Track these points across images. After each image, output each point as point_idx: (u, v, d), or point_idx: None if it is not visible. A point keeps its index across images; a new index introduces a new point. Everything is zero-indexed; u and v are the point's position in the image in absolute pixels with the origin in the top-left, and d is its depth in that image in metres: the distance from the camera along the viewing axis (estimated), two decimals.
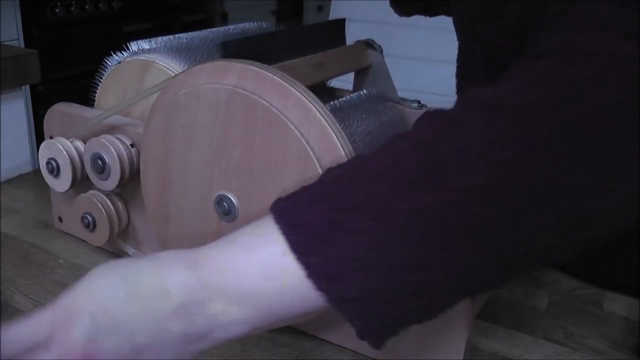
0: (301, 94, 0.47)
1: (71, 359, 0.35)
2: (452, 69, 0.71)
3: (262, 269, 0.35)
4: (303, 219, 0.35)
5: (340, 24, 0.69)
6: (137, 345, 0.35)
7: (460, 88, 0.70)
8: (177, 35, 0.67)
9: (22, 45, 1.68)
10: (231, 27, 0.72)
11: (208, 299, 0.36)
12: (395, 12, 0.81)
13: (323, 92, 0.72)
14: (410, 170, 0.34)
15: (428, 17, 0.83)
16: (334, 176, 0.37)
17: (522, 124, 0.34)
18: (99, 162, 0.58)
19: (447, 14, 0.75)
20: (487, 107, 0.35)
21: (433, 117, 0.37)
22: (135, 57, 0.62)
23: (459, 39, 0.68)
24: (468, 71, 0.68)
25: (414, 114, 0.72)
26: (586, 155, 0.33)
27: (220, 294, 0.36)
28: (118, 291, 0.36)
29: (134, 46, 0.64)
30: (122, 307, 0.35)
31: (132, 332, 0.35)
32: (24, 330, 0.36)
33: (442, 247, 0.33)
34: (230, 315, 0.36)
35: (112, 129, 0.60)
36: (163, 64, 0.60)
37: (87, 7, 1.82)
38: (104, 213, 0.61)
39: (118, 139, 0.58)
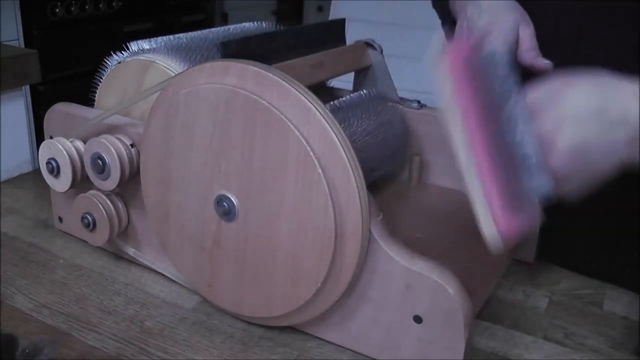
0: (301, 94, 0.47)
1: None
2: None
3: None
4: None
5: (340, 24, 0.69)
6: (588, 159, 0.45)
7: None
8: (177, 35, 0.67)
9: (22, 45, 1.68)
10: (231, 27, 0.72)
11: None
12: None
13: (323, 92, 0.72)
14: None
15: (427, 18, 0.82)
16: None
17: None
18: (99, 162, 0.58)
19: None
20: None
21: None
22: (135, 57, 0.62)
23: None
24: None
25: (414, 114, 0.72)
26: None
27: None
28: (591, 103, 0.45)
29: (134, 46, 0.64)
30: (589, 120, 0.45)
31: (589, 147, 0.45)
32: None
33: None
34: None
35: (112, 129, 0.60)
36: (163, 64, 0.60)
37: (87, 7, 1.82)
38: (104, 213, 0.61)
39: (118, 139, 0.58)
